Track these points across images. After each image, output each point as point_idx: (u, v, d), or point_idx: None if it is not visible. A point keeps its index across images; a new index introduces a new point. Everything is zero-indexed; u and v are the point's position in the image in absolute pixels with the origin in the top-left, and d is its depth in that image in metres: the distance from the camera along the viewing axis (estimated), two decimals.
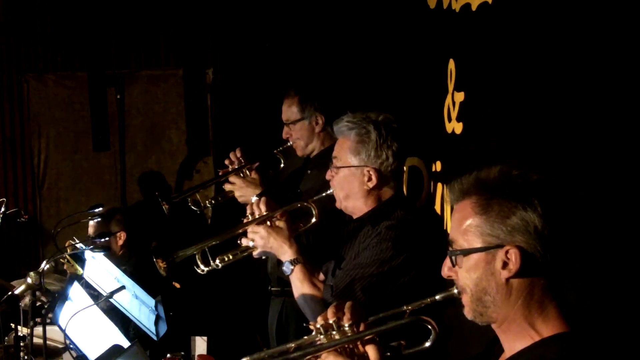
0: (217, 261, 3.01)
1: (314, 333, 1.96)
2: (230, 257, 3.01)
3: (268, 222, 2.95)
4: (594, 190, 1.94)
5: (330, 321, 1.94)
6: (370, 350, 1.87)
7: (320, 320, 1.96)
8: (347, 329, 1.92)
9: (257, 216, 2.97)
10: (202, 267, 3.02)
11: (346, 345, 1.91)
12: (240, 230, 3.01)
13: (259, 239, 2.92)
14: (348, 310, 1.94)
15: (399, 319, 1.93)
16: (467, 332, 2.52)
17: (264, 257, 3.16)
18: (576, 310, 1.77)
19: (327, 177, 2.95)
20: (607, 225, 1.91)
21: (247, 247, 2.99)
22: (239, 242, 3.02)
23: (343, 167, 2.87)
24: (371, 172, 2.83)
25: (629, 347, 1.85)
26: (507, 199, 1.69)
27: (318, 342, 1.94)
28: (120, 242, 4.61)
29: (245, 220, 3.02)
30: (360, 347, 1.90)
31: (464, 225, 1.74)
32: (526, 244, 1.67)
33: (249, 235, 2.96)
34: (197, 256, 3.02)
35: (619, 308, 1.89)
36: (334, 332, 1.92)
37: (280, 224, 2.93)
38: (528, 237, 1.67)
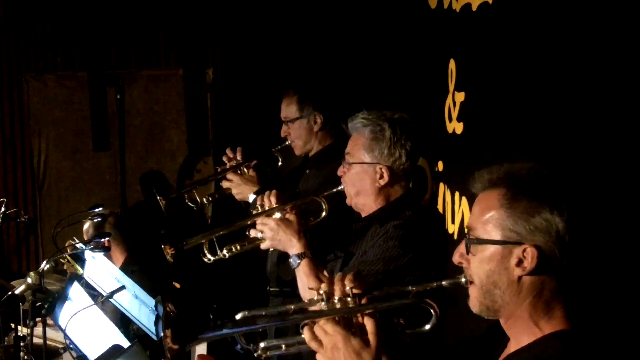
0: (225, 251, 3.01)
1: (316, 298, 1.95)
2: (238, 247, 2.99)
3: (278, 215, 2.94)
4: (594, 189, 1.94)
5: (334, 288, 1.93)
6: (369, 324, 1.86)
7: (324, 287, 1.95)
8: (349, 299, 1.91)
9: (267, 208, 2.96)
10: (209, 256, 3.02)
11: (346, 316, 1.90)
12: (250, 222, 2.99)
13: (268, 231, 2.91)
14: (352, 279, 1.93)
15: (403, 298, 1.92)
16: (467, 329, 2.51)
17: (271, 250, 3.14)
18: (579, 310, 1.77)
19: (339, 173, 2.94)
20: (606, 225, 1.90)
21: (255, 239, 2.97)
22: (247, 233, 3.00)
23: (355, 163, 2.86)
24: (383, 170, 2.82)
25: (629, 345, 1.84)
26: (536, 198, 1.68)
27: (318, 308, 1.93)
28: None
29: (254, 212, 3.01)
30: (359, 318, 1.89)
31: (487, 215, 1.73)
32: (545, 245, 1.67)
33: (258, 226, 2.94)
34: (204, 245, 3.01)
35: (619, 307, 1.89)
36: (336, 301, 1.92)
37: (290, 217, 2.92)
38: (548, 238, 1.66)
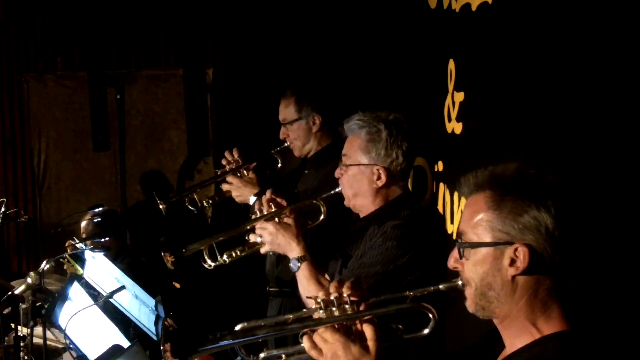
0: (225, 257, 3.02)
1: (313, 307, 1.95)
2: (238, 252, 3.01)
3: (276, 219, 2.95)
4: (593, 189, 1.94)
5: (332, 297, 1.93)
6: (368, 330, 1.87)
7: (321, 295, 1.95)
8: (347, 306, 1.91)
9: (265, 212, 2.97)
10: (209, 262, 3.03)
11: (344, 323, 1.90)
12: (249, 227, 3.01)
13: (267, 235, 2.92)
14: (350, 287, 1.93)
15: (400, 304, 1.93)
16: (467, 327, 2.52)
17: (271, 253, 3.15)
18: (578, 310, 1.77)
19: (336, 175, 2.95)
20: (604, 225, 1.90)
21: (255, 243, 2.99)
22: (247, 238, 3.02)
23: (353, 165, 2.87)
24: (380, 171, 2.83)
25: (628, 346, 1.85)
26: (522, 197, 1.69)
27: (316, 317, 1.93)
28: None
29: (253, 217, 3.02)
30: (358, 325, 1.90)
31: (476, 218, 1.74)
32: (536, 243, 1.67)
33: (257, 231, 2.96)
34: (204, 251, 3.02)
35: (618, 308, 1.89)
36: (334, 309, 1.92)
37: (288, 220, 2.93)
38: (538, 236, 1.67)
